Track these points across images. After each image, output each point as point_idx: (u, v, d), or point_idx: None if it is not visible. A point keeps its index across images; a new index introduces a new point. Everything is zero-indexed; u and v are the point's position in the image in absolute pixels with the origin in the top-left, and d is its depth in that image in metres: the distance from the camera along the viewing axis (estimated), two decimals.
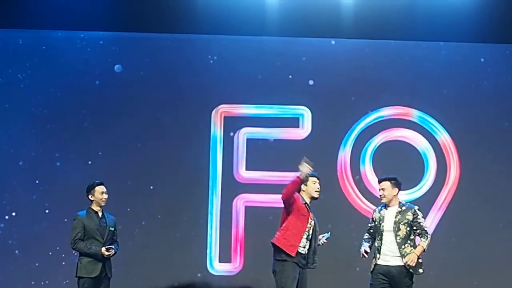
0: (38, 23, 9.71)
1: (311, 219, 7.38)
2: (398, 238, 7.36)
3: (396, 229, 7.38)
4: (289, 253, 7.26)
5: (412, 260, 7.31)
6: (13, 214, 9.66)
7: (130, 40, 9.93)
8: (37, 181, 9.69)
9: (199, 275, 9.52)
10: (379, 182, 7.59)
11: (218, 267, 9.67)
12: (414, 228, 7.41)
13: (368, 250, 7.48)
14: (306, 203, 7.40)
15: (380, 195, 7.52)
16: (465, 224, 9.68)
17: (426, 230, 7.46)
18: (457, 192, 9.77)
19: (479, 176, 9.74)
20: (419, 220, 7.43)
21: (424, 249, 7.41)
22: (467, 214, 9.69)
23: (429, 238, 7.45)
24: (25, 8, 9.71)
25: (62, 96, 9.80)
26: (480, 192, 9.72)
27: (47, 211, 9.62)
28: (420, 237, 7.44)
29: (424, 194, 9.72)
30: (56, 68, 9.81)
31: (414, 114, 9.86)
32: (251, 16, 9.72)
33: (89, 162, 9.65)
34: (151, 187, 9.68)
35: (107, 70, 9.86)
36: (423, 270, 7.47)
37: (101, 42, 9.93)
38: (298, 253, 7.29)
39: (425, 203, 9.62)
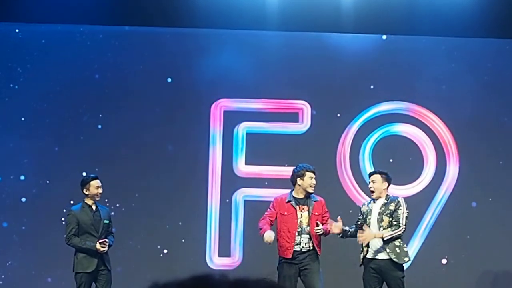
0: (38, 17, 9.70)
1: (301, 211, 7.55)
2: (381, 229, 7.50)
3: (380, 220, 7.55)
4: (286, 257, 7.55)
5: (364, 239, 7.43)
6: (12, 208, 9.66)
7: (129, 34, 9.93)
8: (36, 175, 9.68)
9: (198, 269, 9.52)
10: (370, 175, 7.82)
11: (217, 261, 9.69)
12: (392, 218, 7.47)
13: (343, 228, 7.58)
14: (291, 200, 7.60)
15: (370, 188, 7.73)
16: (464, 219, 9.69)
17: (400, 224, 7.50)
18: (456, 187, 9.78)
19: (478, 171, 9.74)
20: (399, 211, 7.53)
21: (383, 237, 7.43)
22: (466, 209, 9.70)
23: (397, 232, 7.45)
24: (25, 1, 9.69)
25: (61, 90, 9.80)
26: (479, 187, 9.73)
27: (45, 205, 9.61)
28: (391, 226, 7.48)
29: (423, 189, 9.72)
30: (55, 62, 9.81)
31: (413, 109, 9.85)
32: (250, 10, 9.71)
33: (88, 156, 9.64)
34: (150, 182, 9.67)
35: (107, 64, 9.86)
36: (409, 258, 7.64)
37: (100, 36, 9.93)
38: (295, 252, 7.53)
39: (424, 198, 9.65)
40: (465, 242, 9.68)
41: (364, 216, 7.66)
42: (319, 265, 7.60)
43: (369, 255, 7.56)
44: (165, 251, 9.63)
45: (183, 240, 9.64)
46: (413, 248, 9.49)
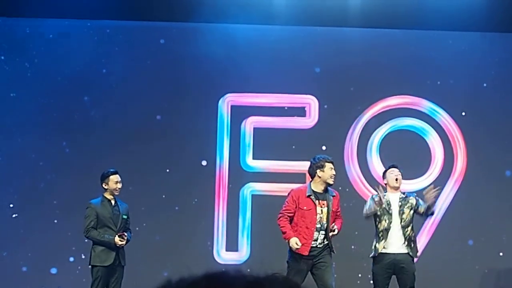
0: (45, 12, 9.71)
1: (321, 207, 7.38)
2: (402, 221, 7.52)
3: (401, 212, 7.53)
4: (302, 253, 7.31)
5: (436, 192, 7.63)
6: (21, 202, 9.68)
7: (136, 29, 9.93)
8: (44, 170, 9.70)
9: (206, 264, 9.53)
10: (396, 167, 7.77)
11: (225, 256, 9.69)
12: (418, 208, 7.57)
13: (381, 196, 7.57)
14: (311, 195, 7.38)
15: (397, 180, 7.67)
16: (472, 214, 9.67)
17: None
18: (464, 182, 9.76)
19: (486, 165, 9.72)
20: (421, 201, 7.65)
21: (431, 205, 7.59)
22: (474, 204, 9.68)
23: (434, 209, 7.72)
24: None
25: (68, 85, 9.81)
26: (486, 182, 9.70)
27: (55, 202, 9.63)
28: (410, 224, 7.60)
29: (431, 183, 9.68)
30: (62, 57, 9.81)
31: (420, 104, 9.84)
32: (258, 5, 9.70)
33: (96, 151, 9.66)
34: (158, 177, 9.68)
35: (114, 59, 9.86)
36: (418, 252, 7.83)
37: (108, 30, 9.93)
38: (311, 248, 7.32)
39: None
40: (473, 238, 9.66)
41: (384, 206, 7.53)
42: (332, 259, 7.48)
43: (386, 250, 7.50)
44: (173, 246, 9.63)
45: (190, 235, 9.64)
46: (420, 243, 9.46)
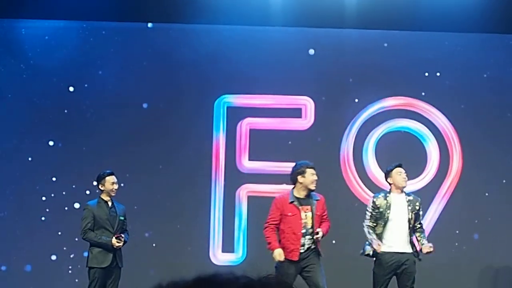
0: (41, 13, 9.70)
1: (305, 212, 7.39)
2: (410, 224, 7.53)
3: (410, 216, 7.52)
4: (291, 259, 7.35)
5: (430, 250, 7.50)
6: (15, 203, 9.67)
7: (132, 30, 9.92)
8: (40, 171, 9.69)
9: (202, 265, 9.52)
10: (401, 166, 7.69)
11: (221, 257, 9.69)
12: (417, 218, 7.55)
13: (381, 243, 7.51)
14: (294, 201, 7.40)
15: (404, 179, 7.64)
16: (468, 215, 9.68)
17: (422, 224, 7.72)
18: (460, 182, 9.77)
19: (481, 166, 9.73)
20: (420, 213, 7.67)
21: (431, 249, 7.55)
22: (469, 204, 9.69)
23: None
24: None
25: (64, 86, 9.80)
26: (482, 183, 9.71)
27: (44, 198, 9.61)
28: (419, 234, 7.60)
29: (426, 184, 9.71)
30: (58, 58, 9.80)
31: (416, 105, 9.84)
32: (254, 5, 9.70)
33: (90, 150, 9.65)
34: (154, 178, 9.67)
35: (110, 60, 9.85)
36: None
37: (103, 32, 9.92)
38: (299, 253, 7.36)
39: (428, 193, 9.63)
40: (469, 238, 9.67)
41: (382, 209, 7.51)
42: (320, 260, 7.49)
43: (388, 249, 7.48)
44: (169, 247, 9.62)
45: (186, 236, 9.64)
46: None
